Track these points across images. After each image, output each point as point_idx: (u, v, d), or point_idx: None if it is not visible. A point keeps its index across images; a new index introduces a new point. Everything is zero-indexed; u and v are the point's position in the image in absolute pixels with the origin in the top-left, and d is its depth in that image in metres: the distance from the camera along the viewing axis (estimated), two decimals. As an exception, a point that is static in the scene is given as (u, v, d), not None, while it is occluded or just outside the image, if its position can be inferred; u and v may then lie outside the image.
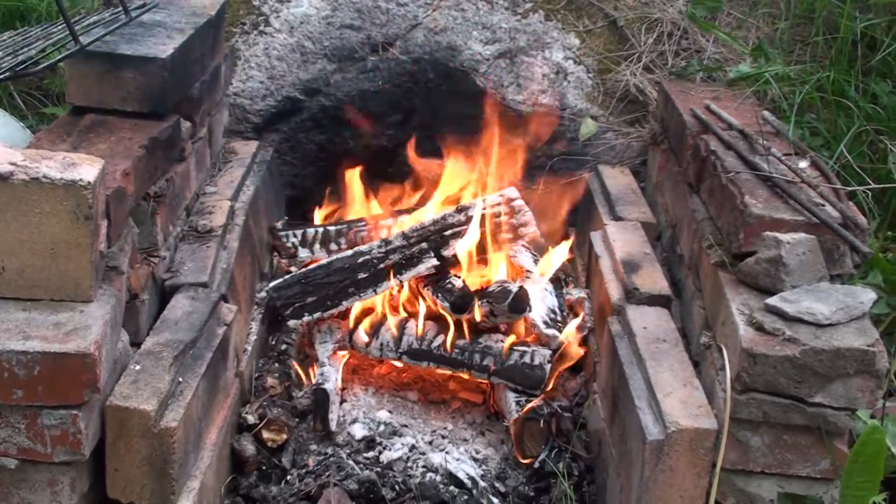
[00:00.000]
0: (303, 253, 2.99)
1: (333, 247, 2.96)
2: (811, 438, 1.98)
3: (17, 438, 1.80)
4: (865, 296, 2.05)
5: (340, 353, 2.69)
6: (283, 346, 2.69)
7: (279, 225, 3.10)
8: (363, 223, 3.02)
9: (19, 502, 1.85)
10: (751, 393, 1.95)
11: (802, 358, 1.91)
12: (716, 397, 2.03)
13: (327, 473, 2.32)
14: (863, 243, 2.16)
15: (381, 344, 2.67)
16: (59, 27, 2.37)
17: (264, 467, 2.35)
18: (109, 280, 1.99)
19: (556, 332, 2.63)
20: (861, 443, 1.85)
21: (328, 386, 2.49)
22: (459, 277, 2.68)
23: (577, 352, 2.63)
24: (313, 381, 2.57)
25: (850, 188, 2.43)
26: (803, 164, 2.41)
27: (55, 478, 1.84)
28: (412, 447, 2.45)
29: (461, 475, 2.36)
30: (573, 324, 2.68)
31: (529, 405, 2.46)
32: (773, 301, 2.03)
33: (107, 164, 1.94)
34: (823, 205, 2.22)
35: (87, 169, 1.85)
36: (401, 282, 2.68)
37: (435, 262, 2.66)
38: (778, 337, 1.95)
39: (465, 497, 2.31)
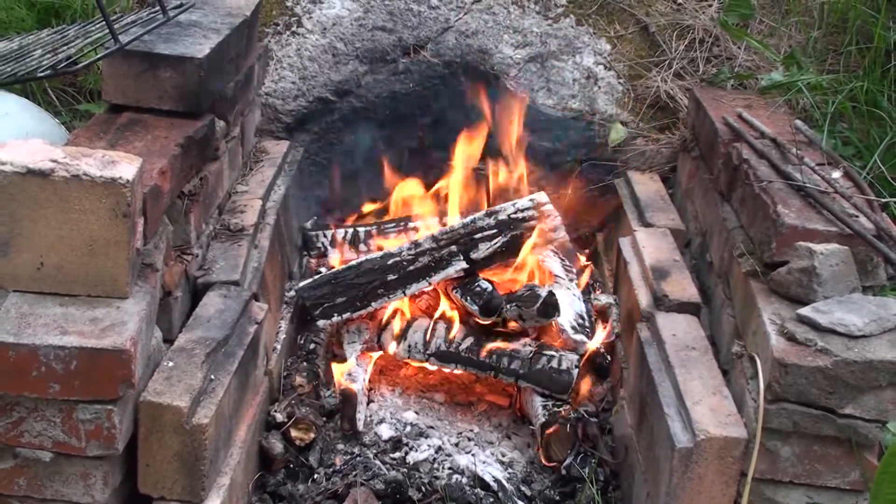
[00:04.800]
0: (332, 254, 3.01)
1: (363, 247, 2.98)
2: (841, 449, 1.98)
3: (52, 432, 1.83)
4: (898, 308, 2.04)
5: (369, 353, 2.70)
6: (312, 346, 2.70)
7: (309, 225, 3.12)
8: (392, 224, 3.03)
9: (53, 495, 1.88)
10: (781, 403, 1.95)
11: (834, 369, 1.91)
12: (745, 406, 2.03)
13: (354, 473, 2.33)
14: (896, 255, 2.15)
15: (410, 345, 2.68)
16: (97, 26, 2.39)
17: (292, 465, 2.36)
18: (144, 277, 2.01)
19: (584, 338, 2.63)
20: (891, 454, 1.83)
21: (356, 386, 2.50)
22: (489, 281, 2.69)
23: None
24: (341, 381, 2.58)
25: (883, 199, 2.42)
26: (836, 174, 2.40)
27: (88, 471, 1.86)
28: (438, 448, 2.46)
29: (487, 478, 2.37)
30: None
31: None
32: (805, 311, 2.03)
33: (144, 163, 1.96)
34: (857, 216, 2.21)
35: (126, 167, 1.87)
36: (430, 284, 2.69)
37: (464, 264, 2.67)
38: (810, 347, 1.95)
39: (491, 500, 2.31)
